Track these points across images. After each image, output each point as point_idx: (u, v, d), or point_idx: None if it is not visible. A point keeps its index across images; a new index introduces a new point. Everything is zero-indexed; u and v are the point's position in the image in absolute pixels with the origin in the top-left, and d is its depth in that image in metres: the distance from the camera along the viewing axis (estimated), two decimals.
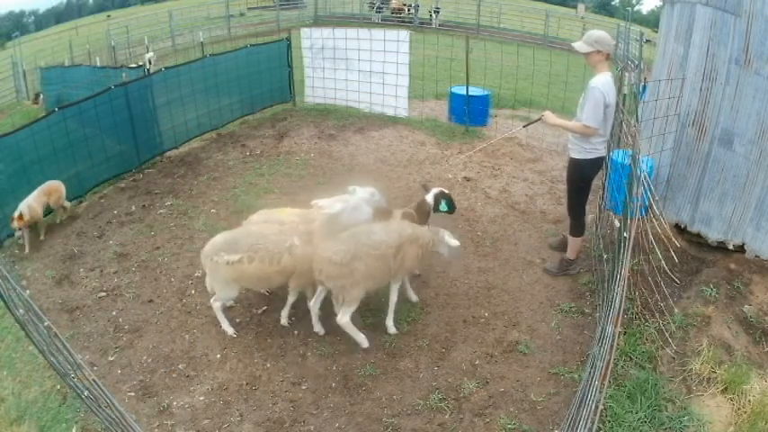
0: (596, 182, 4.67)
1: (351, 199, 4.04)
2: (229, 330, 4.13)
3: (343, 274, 3.66)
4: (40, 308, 3.77)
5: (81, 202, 6.38)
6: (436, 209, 4.43)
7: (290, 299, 4.17)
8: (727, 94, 4.16)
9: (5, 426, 3.41)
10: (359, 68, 8.87)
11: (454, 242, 4.00)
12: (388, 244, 3.78)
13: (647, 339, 3.72)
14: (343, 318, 3.79)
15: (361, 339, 3.91)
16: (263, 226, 4.09)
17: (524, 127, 5.10)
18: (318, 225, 3.93)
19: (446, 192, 4.49)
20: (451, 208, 4.47)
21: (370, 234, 3.81)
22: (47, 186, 5.67)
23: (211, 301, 4.13)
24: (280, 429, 3.33)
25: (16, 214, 5.27)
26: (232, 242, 3.87)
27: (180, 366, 3.85)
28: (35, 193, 5.51)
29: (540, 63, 10.81)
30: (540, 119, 4.52)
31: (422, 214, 4.36)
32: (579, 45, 4.15)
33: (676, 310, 3.90)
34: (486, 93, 8.60)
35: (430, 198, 4.43)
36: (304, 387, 3.64)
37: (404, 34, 8.44)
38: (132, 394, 3.61)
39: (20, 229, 5.35)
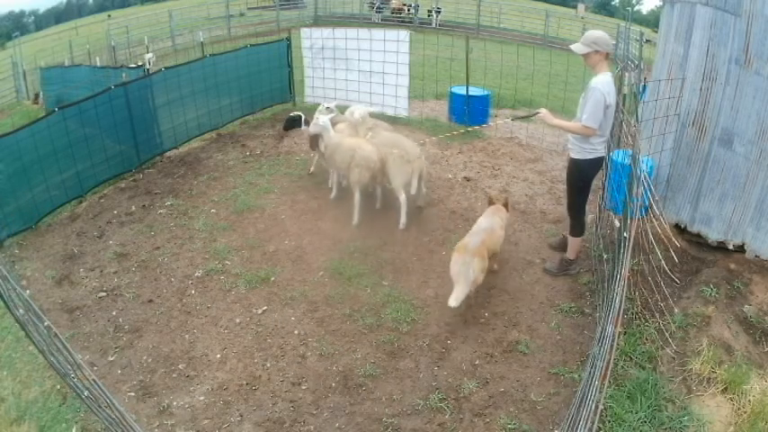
0: (596, 182, 4.67)
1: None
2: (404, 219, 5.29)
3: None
4: (40, 308, 3.77)
5: (81, 202, 6.38)
6: None
7: None
8: (727, 94, 4.16)
9: (5, 426, 3.41)
10: (359, 68, 8.87)
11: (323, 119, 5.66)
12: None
13: (647, 339, 3.72)
14: None
15: None
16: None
17: (513, 120, 5.08)
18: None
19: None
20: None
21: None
22: None
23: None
24: (280, 429, 3.34)
25: None
26: (407, 145, 5.35)
27: (180, 366, 3.85)
28: None
29: (540, 63, 10.81)
30: (534, 114, 4.51)
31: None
32: (577, 47, 4.10)
33: (676, 310, 3.90)
34: (486, 93, 8.59)
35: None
36: (304, 387, 3.64)
37: (404, 34, 8.43)
38: (132, 394, 3.61)
39: None
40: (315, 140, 5.87)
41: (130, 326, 4.28)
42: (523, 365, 3.78)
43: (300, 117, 6.32)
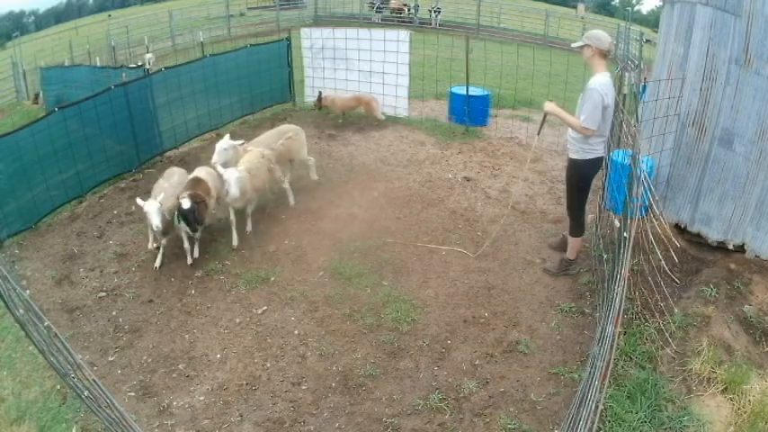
0: (596, 182, 4.67)
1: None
2: None
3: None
4: (40, 308, 3.77)
5: (81, 202, 6.38)
6: None
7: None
8: (727, 94, 4.16)
9: (5, 426, 3.41)
10: (359, 68, 8.87)
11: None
12: None
13: (647, 339, 3.72)
14: None
15: None
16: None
17: (539, 134, 4.92)
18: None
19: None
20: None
21: None
22: None
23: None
24: (280, 429, 3.34)
25: None
26: (287, 129, 6.42)
27: (180, 366, 3.85)
28: None
29: (540, 63, 10.79)
30: (545, 115, 4.46)
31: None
32: (575, 43, 4.26)
33: (676, 310, 3.90)
34: (486, 93, 8.59)
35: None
36: (304, 387, 3.65)
37: (404, 34, 8.44)
38: (132, 394, 3.61)
39: None
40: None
41: (130, 326, 4.28)
42: (523, 365, 3.78)
43: (189, 209, 4.71)
